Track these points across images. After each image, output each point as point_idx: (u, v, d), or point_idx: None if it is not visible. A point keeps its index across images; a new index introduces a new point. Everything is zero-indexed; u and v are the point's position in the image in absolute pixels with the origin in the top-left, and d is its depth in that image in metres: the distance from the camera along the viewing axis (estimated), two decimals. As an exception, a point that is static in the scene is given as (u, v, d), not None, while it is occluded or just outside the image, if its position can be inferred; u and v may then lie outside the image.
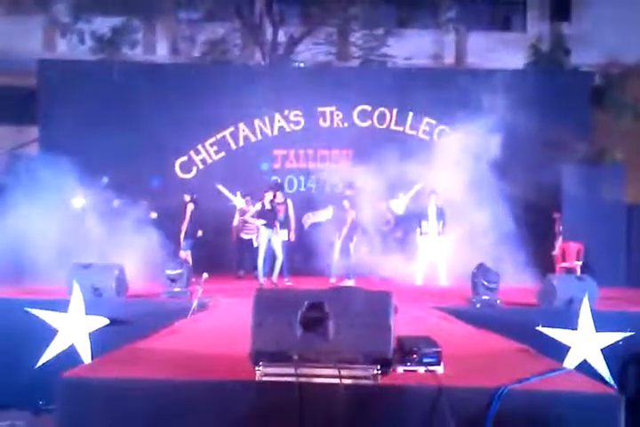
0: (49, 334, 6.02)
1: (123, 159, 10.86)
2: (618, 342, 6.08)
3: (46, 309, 6.08)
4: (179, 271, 7.18)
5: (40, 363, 6.00)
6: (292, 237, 9.78)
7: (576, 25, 14.22)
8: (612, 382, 5.91)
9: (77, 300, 6.08)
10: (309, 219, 11.66)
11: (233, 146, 12.17)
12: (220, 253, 10.59)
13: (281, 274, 9.35)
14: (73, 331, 6.03)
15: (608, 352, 6.02)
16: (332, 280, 9.65)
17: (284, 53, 14.06)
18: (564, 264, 10.18)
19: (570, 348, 5.95)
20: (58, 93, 11.41)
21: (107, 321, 6.06)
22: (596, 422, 2.93)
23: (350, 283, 9.20)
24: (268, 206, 9.19)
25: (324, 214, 11.17)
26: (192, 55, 14.02)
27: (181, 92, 11.50)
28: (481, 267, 7.11)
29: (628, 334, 6.09)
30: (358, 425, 2.89)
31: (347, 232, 9.72)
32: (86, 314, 6.07)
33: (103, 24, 12.99)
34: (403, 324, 3.77)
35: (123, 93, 11.35)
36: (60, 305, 6.07)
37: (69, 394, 2.94)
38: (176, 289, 7.09)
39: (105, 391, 2.94)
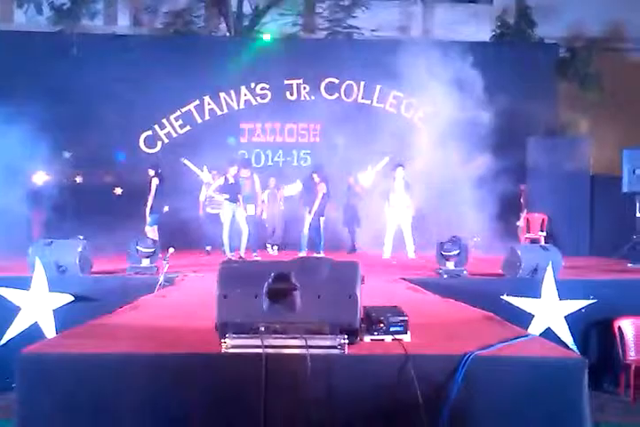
0: (11, 311, 5.91)
1: (85, 134, 10.61)
2: (581, 309, 6.23)
3: (7, 286, 5.96)
4: (150, 249, 7.05)
5: (3, 341, 5.91)
6: (259, 212, 9.73)
7: (541, -3, 14.19)
8: (575, 348, 6.06)
9: (40, 277, 5.97)
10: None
11: (198, 120, 11.99)
12: (186, 228, 10.47)
13: (248, 248, 9.30)
14: (36, 308, 5.93)
15: (571, 319, 6.17)
16: (302, 254, 9.64)
17: (250, 25, 13.78)
18: (528, 235, 10.35)
19: (534, 316, 6.08)
20: (15, 66, 11.02)
21: (71, 298, 5.97)
22: (560, 386, 2.97)
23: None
24: (231, 181, 9.09)
25: (291, 189, 11.11)
26: (154, 26, 13.64)
27: (144, 64, 11.20)
28: (447, 239, 7.17)
29: (591, 301, 6.25)
30: (325, 395, 2.88)
31: (317, 206, 9.70)
32: (50, 291, 5.97)
33: (62, -7, 12.53)
34: (371, 295, 3.77)
35: (83, 66, 11.00)
36: (22, 282, 5.95)
37: (30, 370, 2.86)
38: (142, 265, 6.99)
39: (67, 367, 2.87)
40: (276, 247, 10.70)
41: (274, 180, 10.94)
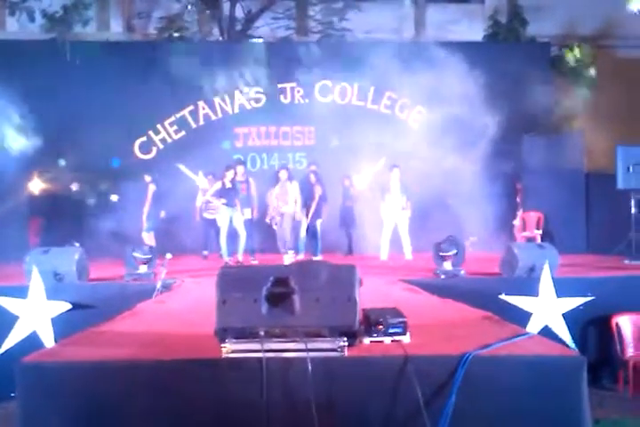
0: (9, 320, 5.90)
1: (80, 141, 10.58)
2: (578, 306, 6.25)
3: (5, 295, 5.95)
4: (147, 256, 7.03)
5: (2, 350, 5.90)
6: (255, 216, 9.71)
7: (532, -5, 14.23)
8: (573, 345, 6.08)
9: (37, 285, 5.96)
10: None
11: (193, 125, 11.98)
12: (183, 234, 10.46)
13: (246, 252, 9.29)
14: (34, 317, 5.92)
15: (569, 317, 6.19)
16: (300, 257, 9.64)
17: (243, 29, 13.79)
18: (524, 233, 10.36)
19: (532, 314, 6.09)
20: (8, 74, 10.99)
21: (69, 306, 5.96)
22: (559, 383, 2.99)
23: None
24: (228, 185, 9.08)
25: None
26: (147, 32, 13.65)
27: (137, 70, 11.18)
28: (444, 239, 7.18)
29: (589, 298, 6.27)
30: (326, 398, 2.89)
31: (314, 209, 9.70)
32: (48, 299, 5.96)
33: (54, 1, 12.52)
34: (369, 297, 3.77)
35: (76, 73, 11.01)
36: (19, 291, 5.95)
37: (30, 379, 2.87)
38: (139, 271, 6.98)
39: (67, 375, 2.87)
40: (292, 252, 9.34)
41: (285, 172, 9.50)
